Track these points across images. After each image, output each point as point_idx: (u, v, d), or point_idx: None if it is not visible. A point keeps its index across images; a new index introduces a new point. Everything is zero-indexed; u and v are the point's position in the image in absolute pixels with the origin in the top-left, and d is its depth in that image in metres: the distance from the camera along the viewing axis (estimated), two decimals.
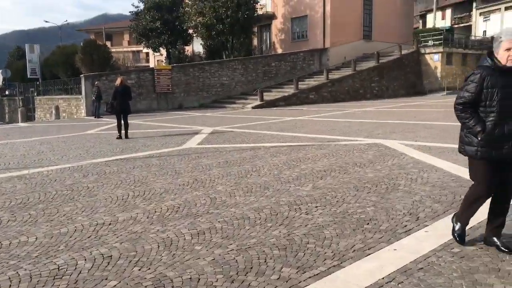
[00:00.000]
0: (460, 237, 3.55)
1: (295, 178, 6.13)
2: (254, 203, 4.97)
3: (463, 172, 5.91)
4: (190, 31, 35.35)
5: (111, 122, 16.95)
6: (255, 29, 35.68)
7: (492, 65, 3.18)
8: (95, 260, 3.55)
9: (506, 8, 58.53)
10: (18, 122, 28.03)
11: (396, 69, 30.58)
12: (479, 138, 3.21)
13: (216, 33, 31.03)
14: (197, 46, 44.05)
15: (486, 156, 3.23)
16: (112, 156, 8.74)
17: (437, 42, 35.15)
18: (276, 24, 36.12)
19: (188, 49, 42.23)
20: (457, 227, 3.59)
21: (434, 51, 32.23)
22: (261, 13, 32.96)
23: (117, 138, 11.66)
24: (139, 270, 3.32)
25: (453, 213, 3.79)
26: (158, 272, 3.27)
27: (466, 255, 3.35)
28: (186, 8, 33.52)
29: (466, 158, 3.48)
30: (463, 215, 3.55)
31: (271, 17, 36.10)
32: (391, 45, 33.82)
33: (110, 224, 4.45)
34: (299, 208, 4.72)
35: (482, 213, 4.15)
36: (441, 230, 3.88)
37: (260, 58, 29.08)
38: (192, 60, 39.15)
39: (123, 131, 11.78)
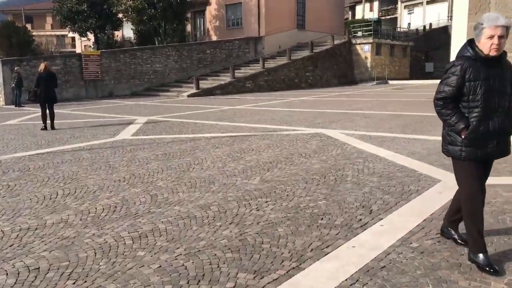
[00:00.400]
0: (490, 267, 2.87)
1: (241, 171, 5.85)
2: (199, 200, 4.63)
3: (409, 162, 5.96)
4: (120, 15, 33.67)
5: (34, 111, 15.66)
6: (189, 15, 34.74)
7: (474, 55, 2.88)
8: (19, 274, 3.05)
9: (428, 2, 61.86)
10: None
11: (329, 59, 31.20)
12: (463, 137, 2.91)
13: (147, 17, 29.78)
14: (127, 31, 42.16)
15: (471, 156, 2.92)
16: (37, 150, 7.94)
17: (367, 33, 36.40)
18: (211, 10, 35.42)
19: (118, 34, 40.30)
20: (479, 258, 2.92)
21: (364, 41, 33.26)
22: None
23: (41, 129, 10.69)
24: (74, 283, 2.88)
25: (467, 252, 3.10)
26: (97, 285, 2.86)
27: (425, 250, 3.26)
28: None
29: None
30: (472, 230, 2.98)
31: (205, 3, 35.31)
32: (324, 35, 34.46)
33: (36, 229, 3.91)
34: (249, 203, 4.45)
35: (437, 203, 4.14)
36: (396, 223, 3.79)
37: (194, 45, 28.36)
38: (122, 46, 37.39)
39: (48, 122, 10.83)
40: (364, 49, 33.22)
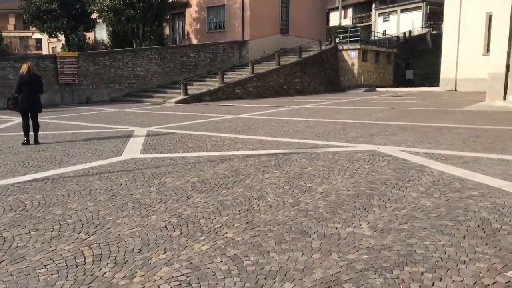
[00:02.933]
0: None
1: (328, 211, 4.30)
2: (315, 270, 3.05)
3: None
4: (94, 15, 31.46)
5: (7, 119, 13.51)
6: (168, 17, 32.94)
7: None
8: None
9: (402, 11, 62.34)
10: None
11: (316, 65, 30.06)
12: None
13: (126, 18, 27.80)
14: (100, 33, 39.92)
15: None
16: (26, 174, 6.12)
17: (353, 39, 35.63)
18: (191, 13, 33.72)
19: (90, 36, 38.00)
20: None
21: (351, 47, 32.35)
22: (171, 0, 30.35)
23: (23, 143, 8.78)
24: None
25: None
26: None
27: None
28: None
29: None
30: None
31: (185, 4, 33.59)
32: (307, 41, 33.51)
33: None
34: (400, 279, 2.91)
35: None
36: None
37: (178, 48, 26.55)
38: (94, 49, 35.16)
39: (31, 134, 8.95)
40: (351, 55, 32.29)
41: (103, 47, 35.22)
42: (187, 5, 33.75)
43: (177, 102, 20.16)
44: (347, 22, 68.15)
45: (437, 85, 35.10)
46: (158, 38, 30.45)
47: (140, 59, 23.76)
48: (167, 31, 34.85)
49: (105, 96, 22.07)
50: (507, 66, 15.88)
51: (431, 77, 40.28)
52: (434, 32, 52.44)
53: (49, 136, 10.07)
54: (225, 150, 7.71)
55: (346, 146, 7.77)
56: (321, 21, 40.03)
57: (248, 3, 30.45)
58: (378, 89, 31.90)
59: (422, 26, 56.17)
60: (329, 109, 16.10)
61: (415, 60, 45.31)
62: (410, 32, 50.38)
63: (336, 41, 33.21)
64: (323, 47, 31.34)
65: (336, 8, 63.69)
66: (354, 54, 32.18)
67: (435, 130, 9.65)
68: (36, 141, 8.93)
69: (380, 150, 7.27)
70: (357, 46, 32.20)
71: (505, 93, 16.00)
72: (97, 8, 28.70)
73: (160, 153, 7.66)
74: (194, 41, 33.02)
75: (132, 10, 27.37)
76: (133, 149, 8.04)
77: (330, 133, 9.54)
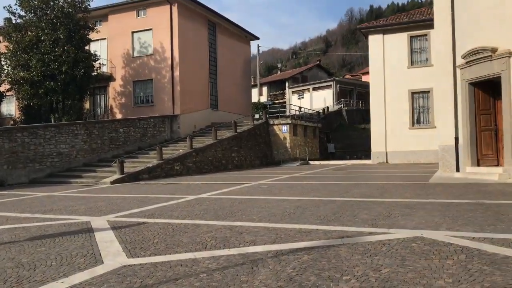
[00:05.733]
0: None
1: None
2: None
3: None
4: (3, 87, 28.37)
5: None
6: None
7: None
8: None
9: (314, 89, 66.24)
10: None
11: (251, 139, 29.49)
12: None
13: (44, 91, 25.29)
14: (6, 107, 36.25)
15: None
16: None
17: (282, 114, 36.13)
18: (115, 87, 32.05)
19: None
20: None
21: (282, 122, 32.51)
22: (95, 73, 28.62)
23: None
24: None
25: None
26: None
27: None
28: (2, 59, 26.92)
29: None
30: None
31: (108, 78, 31.93)
32: (236, 115, 33.58)
33: None
34: None
35: None
36: None
37: (106, 123, 24.34)
38: (0, 124, 31.59)
39: None
40: (283, 130, 32.34)
41: (12, 123, 31.66)
42: (111, 78, 32.10)
43: (113, 182, 17.78)
44: (263, 99, 70.52)
45: (357, 157, 36.24)
46: (78, 113, 28.01)
47: (65, 134, 21.18)
48: (87, 105, 32.48)
49: (23, 178, 18.94)
50: (456, 139, 16.25)
51: (350, 150, 41.82)
52: (345, 108, 55.91)
53: None
54: (238, 246, 6.02)
55: (382, 233, 6.50)
56: (246, 97, 40.52)
57: (178, 77, 29.74)
58: (311, 162, 31.91)
59: (333, 103, 59.59)
60: (293, 185, 14.98)
61: (334, 134, 47.20)
62: (328, 108, 52.96)
63: (267, 116, 33.24)
64: (255, 122, 31.04)
65: (254, 86, 65.67)
66: (285, 128, 32.28)
67: (445, 207, 8.84)
68: None
69: (424, 236, 6.10)
70: (288, 120, 32.47)
71: (457, 164, 16.21)
72: (9, 79, 25.90)
73: (155, 254, 5.74)
74: (119, 116, 31.08)
75: (52, 82, 25.04)
76: (111, 251, 6.01)
77: (335, 215, 8.26)
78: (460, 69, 15.45)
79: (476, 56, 14.49)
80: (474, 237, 5.98)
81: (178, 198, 11.86)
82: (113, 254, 5.81)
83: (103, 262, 5.41)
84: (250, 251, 5.71)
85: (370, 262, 4.93)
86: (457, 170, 16.13)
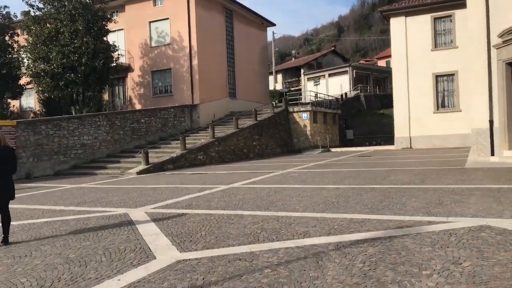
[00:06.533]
0: None
1: None
2: None
3: None
4: (23, 80, 28.40)
5: None
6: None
7: None
8: None
9: (330, 75, 65.30)
10: None
11: (271, 127, 29.11)
12: None
13: (65, 83, 25.18)
14: (26, 101, 36.40)
15: None
16: None
17: (299, 102, 35.65)
18: (133, 77, 31.83)
19: (14, 104, 34.39)
20: None
21: (302, 109, 32.03)
22: (115, 64, 28.42)
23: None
24: None
25: None
26: None
27: None
28: (22, 52, 26.88)
29: None
30: None
31: (126, 69, 31.73)
32: (254, 104, 33.15)
33: None
34: None
35: None
36: None
37: (128, 113, 24.20)
38: (21, 118, 31.67)
39: None
40: (303, 117, 31.86)
41: (33, 116, 31.76)
42: (129, 69, 31.91)
43: (139, 173, 17.65)
44: (278, 86, 69.93)
45: (376, 144, 35.64)
46: (98, 104, 27.92)
47: (88, 126, 21.08)
48: (105, 96, 32.40)
49: (48, 170, 18.92)
50: (491, 122, 15.67)
51: (369, 136, 41.17)
52: (363, 93, 55.05)
53: (15, 229, 7.38)
54: (292, 238, 5.73)
55: (442, 222, 6.14)
56: (264, 85, 40.05)
57: (196, 66, 29.35)
58: (332, 149, 31.47)
59: (350, 89, 58.76)
60: (323, 172, 14.63)
61: (352, 120, 46.54)
62: (346, 94, 52.23)
63: (287, 103, 32.79)
64: (275, 110, 30.64)
65: (270, 73, 65.19)
66: (306, 115, 31.80)
67: (496, 192, 8.43)
68: (6, 240, 6.31)
69: (502, 226, 5.72)
70: (308, 107, 31.98)
71: (492, 148, 15.66)
72: (30, 72, 25.85)
73: (207, 248, 5.49)
74: (138, 106, 30.92)
75: (72, 74, 24.91)
76: (160, 245, 5.77)
77: (382, 203, 7.92)
78: (496, 48, 14.83)
79: None
80: None
81: (211, 188, 11.62)
82: (163, 248, 5.57)
83: (155, 257, 5.17)
84: (308, 243, 5.41)
85: (445, 255, 4.59)
86: (492, 154, 15.58)
